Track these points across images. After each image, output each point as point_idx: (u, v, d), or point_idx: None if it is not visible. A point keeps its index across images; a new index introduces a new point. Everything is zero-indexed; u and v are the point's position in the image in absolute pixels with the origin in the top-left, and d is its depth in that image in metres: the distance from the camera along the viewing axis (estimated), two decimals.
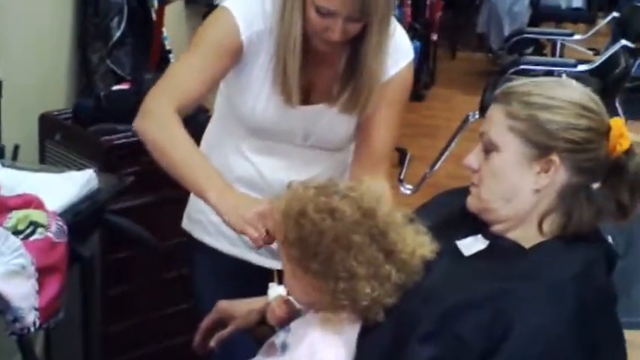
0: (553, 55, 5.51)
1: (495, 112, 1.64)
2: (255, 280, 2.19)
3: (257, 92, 2.04)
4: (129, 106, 2.66)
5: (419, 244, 1.60)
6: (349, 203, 1.55)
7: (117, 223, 2.17)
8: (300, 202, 1.56)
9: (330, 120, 2.07)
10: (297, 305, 1.83)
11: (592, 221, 1.62)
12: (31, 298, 1.74)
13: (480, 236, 1.66)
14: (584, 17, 6.12)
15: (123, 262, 2.57)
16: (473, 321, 1.48)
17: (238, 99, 2.07)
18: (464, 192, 1.73)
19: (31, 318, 1.74)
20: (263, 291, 2.06)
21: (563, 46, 5.48)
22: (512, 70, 4.24)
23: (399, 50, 2.06)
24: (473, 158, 1.67)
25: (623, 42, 3.88)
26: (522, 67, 4.29)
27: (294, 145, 2.12)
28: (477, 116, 4.10)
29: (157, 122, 1.95)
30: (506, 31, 6.05)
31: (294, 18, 1.91)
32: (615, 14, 4.65)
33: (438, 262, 1.62)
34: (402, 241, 1.57)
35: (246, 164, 2.15)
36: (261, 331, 1.88)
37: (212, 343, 1.95)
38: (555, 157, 1.59)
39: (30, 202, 1.85)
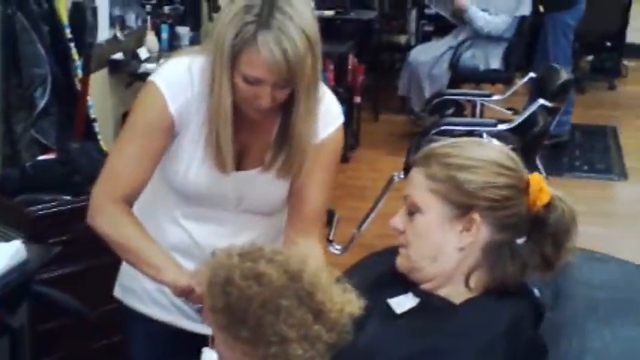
0: (473, 115, 5.64)
1: (416, 174, 1.68)
2: (188, 346, 2.19)
3: (189, 160, 2.05)
4: (55, 176, 2.70)
5: (347, 302, 1.60)
6: (275, 267, 1.56)
7: (45, 293, 2.15)
8: (226, 270, 1.56)
9: (263, 185, 2.08)
10: None
11: (518, 276, 1.66)
12: None
13: (410, 294, 1.68)
14: (502, 78, 6.27)
15: (52, 332, 2.54)
16: None
17: (170, 167, 2.08)
18: (393, 252, 1.76)
19: None
20: (197, 358, 2.07)
21: (482, 106, 5.62)
22: (434, 131, 4.32)
23: (329, 114, 2.08)
24: (398, 220, 1.71)
25: (541, 101, 3.99)
26: (444, 127, 4.38)
27: (227, 211, 2.12)
28: (402, 176, 4.16)
29: (106, 219, 2.03)
30: (427, 94, 6.15)
31: (223, 88, 1.92)
32: (532, 75, 4.79)
33: (371, 320, 1.64)
34: (329, 301, 1.57)
35: (179, 231, 2.15)
36: None
37: None
38: (476, 216, 1.63)
39: None
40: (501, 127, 4.23)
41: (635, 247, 4.65)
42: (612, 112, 7.69)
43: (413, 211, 1.67)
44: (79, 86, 3.34)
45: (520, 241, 1.66)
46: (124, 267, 2.26)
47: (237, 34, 1.84)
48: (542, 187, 1.67)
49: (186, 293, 1.93)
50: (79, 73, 3.36)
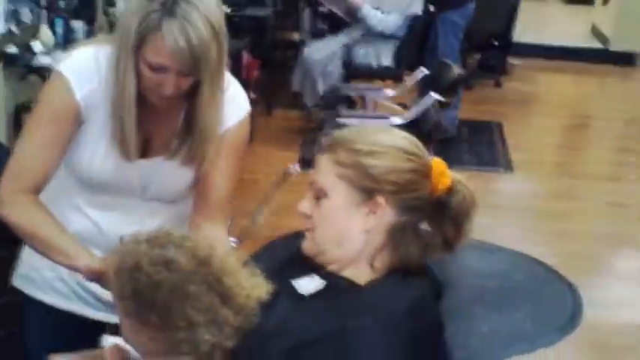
0: (364, 110, 5.74)
1: (323, 161, 1.73)
2: (88, 334, 2.19)
3: (94, 148, 2.05)
4: None
5: (254, 286, 1.64)
6: (184, 253, 1.58)
7: None
8: (134, 257, 1.57)
9: (169, 173, 2.10)
10: (132, 354, 1.85)
11: (420, 256, 1.73)
12: None
13: (315, 276, 1.73)
14: (392, 75, 6.39)
15: None
16: (316, 358, 1.55)
17: (75, 155, 2.07)
18: (298, 236, 1.81)
19: None
20: (95, 345, 2.07)
21: (375, 102, 5.73)
22: (329, 124, 4.39)
23: (235, 103, 2.12)
24: (305, 204, 1.76)
25: (434, 95, 4.10)
26: (339, 121, 4.44)
27: (132, 199, 2.14)
28: (297, 168, 4.22)
29: (15, 210, 2.02)
30: (321, 89, 6.24)
31: (127, 76, 1.93)
32: (424, 71, 4.90)
33: (278, 302, 1.68)
34: (237, 285, 1.61)
35: (83, 220, 2.15)
36: None
37: None
38: (381, 199, 1.69)
39: None
40: (395, 120, 4.33)
41: (518, 236, 4.84)
42: (498, 108, 7.91)
43: (320, 196, 1.72)
44: None
45: (423, 223, 1.73)
46: (24, 257, 2.25)
47: (142, 22, 1.85)
48: (444, 171, 1.74)
49: (98, 277, 1.93)
50: None
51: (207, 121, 2.03)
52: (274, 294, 1.67)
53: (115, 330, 2.19)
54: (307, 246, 1.76)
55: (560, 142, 7.45)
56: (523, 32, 9.49)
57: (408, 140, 1.75)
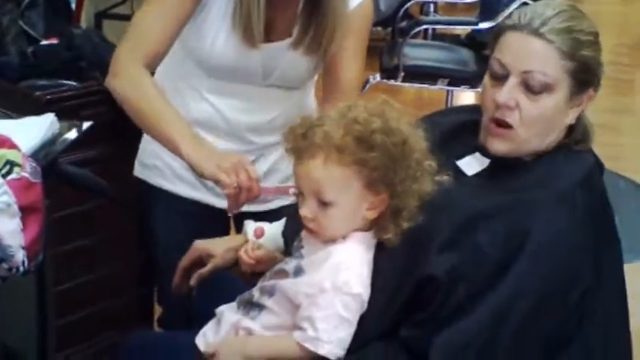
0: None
1: (544, 49, 1.59)
2: (214, 222, 2.19)
3: (216, 32, 2.01)
4: (61, 61, 2.61)
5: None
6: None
7: (73, 172, 2.10)
8: (367, 125, 1.56)
9: (292, 58, 2.05)
10: (272, 247, 1.85)
11: (586, 132, 1.70)
12: (18, 236, 1.67)
13: (478, 154, 1.69)
14: None
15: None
16: (490, 230, 1.53)
17: (196, 40, 2.04)
18: (452, 112, 1.77)
19: (19, 257, 1.66)
20: (221, 234, 2.07)
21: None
22: (414, 31, 4.33)
23: None
24: (508, 96, 1.61)
25: None
26: (424, 27, 4.37)
27: (253, 85, 2.10)
28: (377, 78, 4.19)
29: (128, 81, 1.95)
30: (383, 3, 6.13)
31: None
32: None
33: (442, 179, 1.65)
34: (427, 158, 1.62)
35: (205, 106, 2.12)
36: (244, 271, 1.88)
37: (192, 281, 1.94)
38: (592, 92, 1.64)
39: (3, 142, 1.77)
40: (484, 24, 4.24)
41: None
42: None
43: (539, 90, 1.59)
44: None
45: None
46: (145, 144, 2.24)
47: None
48: None
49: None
50: None
51: (336, 5, 1.98)
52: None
53: (237, 224, 2.20)
54: (504, 146, 1.64)
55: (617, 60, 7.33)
56: None
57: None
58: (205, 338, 1.72)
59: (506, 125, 1.62)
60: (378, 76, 4.20)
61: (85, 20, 3.98)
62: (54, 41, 2.65)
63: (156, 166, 2.21)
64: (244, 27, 1.97)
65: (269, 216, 2.03)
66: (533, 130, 1.62)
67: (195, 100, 2.13)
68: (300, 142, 1.60)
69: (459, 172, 1.68)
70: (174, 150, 1.89)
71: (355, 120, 1.56)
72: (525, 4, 4.00)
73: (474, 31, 5.21)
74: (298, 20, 2.02)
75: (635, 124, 5.57)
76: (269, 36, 2.03)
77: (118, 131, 2.36)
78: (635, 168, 4.67)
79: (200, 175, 1.87)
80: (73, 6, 3.36)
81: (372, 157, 1.54)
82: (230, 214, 2.02)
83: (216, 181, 1.82)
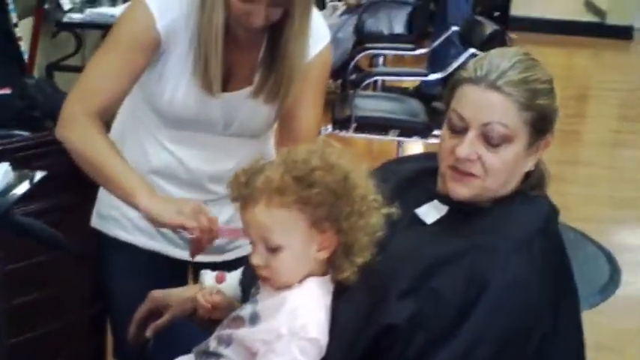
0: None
1: (502, 101, 1.59)
2: (171, 273, 2.18)
3: (175, 82, 2.00)
4: (14, 111, 2.60)
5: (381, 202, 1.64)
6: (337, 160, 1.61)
7: (28, 224, 2.06)
8: (306, 164, 1.57)
9: (252, 107, 2.06)
10: (230, 296, 1.84)
11: (541, 178, 1.72)
12: None
13: (436, 202, 1.70)
14: (404, 41, 6.34)
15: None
16: (449, 277, 1.54)
17: (156, 90, 2.03)
18: (408, 160, 1.79)
19: None
20: (179, 285, 2.05)
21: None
22: (365, 82, 4.38)
23: (318, 32, 2.06)
24: (468, 150, 1.61)
25: (472, 50, 4.07)
26: (375, 78, 4.42)
27: (213, 134, 2.09)
28: (329, 129, 4.22)
29: (77, 132, 1.95)
30: (333, 57, 6.20)
31: (216, 5, 1.88)
32: (455, 28, 4.86)
33: (399, 228, 1.66)
34: (373, 200, 1.62)
35: (165, 155, 2.11)
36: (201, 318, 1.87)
37: (148, 333, 1.92)
38: (550, 137, 1.66)
39: None
40: (433, 76, 4.31)
41: None
42: None
43: (497, 143, 1.60)
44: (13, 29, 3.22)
45: None
46: (102, 195, 2.21)
47: None
48: None
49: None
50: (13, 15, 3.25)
51: (296, 52, 1.98)
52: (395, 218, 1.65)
53: (195, 272, 2.19)
54: (467, 192, 1.64)
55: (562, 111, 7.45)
56: (516, 6, 9.49)
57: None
58: None
59: (469, 174, 1.63)
60: (330, 127, 4.23)
61: (36, 72, 3.98)
62: (7, 91, 2.64)
63: (113, 216, 2.19)
64: (203, 75, 1.96)
65: (226, 267, 2.02)
66: (499, 179, 1.63)
67: (155, 149, 2.12)
68: (243, 190, 1.61)
69: (417, 221, 1.69)
70: (131, 202, 1.89)
71: (294, 160, 1.58)
72: (474, 55, 4.09)
73: (422, 83, 5.32)
74: (259, 68, 2.03)
75: (581, 174, 5.67)
76: (230, 84, 2.03)
77: (73, 182, 2.33)
78: (582, 217, 4.74)
79: (161, 225, 1.86)
80: (25, 57, 3.36)
81: (313, 195, 1.55)
82: (192, 259, 2.01)
83: (179, 228, 1.82)
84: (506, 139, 1.60)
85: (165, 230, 2.14)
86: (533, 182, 1.70)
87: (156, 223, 1.87)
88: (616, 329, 3.63)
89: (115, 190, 1.93)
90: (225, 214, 2.07)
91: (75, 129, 1.95)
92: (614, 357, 3.33)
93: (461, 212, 1.66)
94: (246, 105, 2.06)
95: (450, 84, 1.70)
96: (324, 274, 1.63)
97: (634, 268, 4.26)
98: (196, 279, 2.05)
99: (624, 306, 3.87)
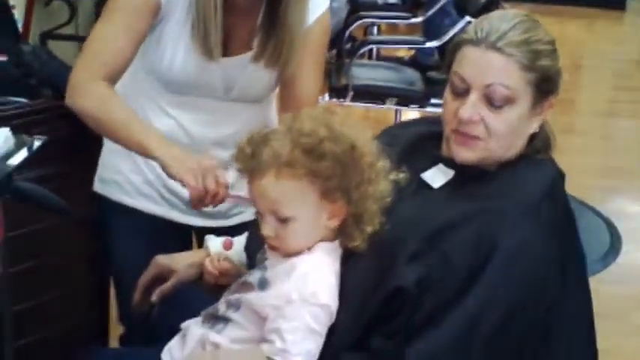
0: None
1: (503, 62, 1.58)
2: (175, 238, 2.17)
3: (174, 48, 1.99)
4: (10, 79, 2.56)
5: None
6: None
7: (26, 189, 2.04)
8: (313, 135, 1.56)
9: (252, 72, 2.05)
10: (236, 261, 1.83)
11: (547, 139, 1.71)
12: None
13: (442, 166, 1.69)
14: (398, 10, 6.30)
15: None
16: (458, 240, 1.53)
17: (155, 55, 2.02)
18: (412, 124, 1.77)
19: None
20: (183, 250, 2.04)
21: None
22: (362, 50, 4.34)
23: None
24: (471, 111, 1.60)
25: (468, 18, 4.04)
26: (370, 47, 4.39)
27: (214, 99, 2.08)
28: (326, 98, 4.20)
29: (93, 98, 1.93)
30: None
31: None
32: None
33: (408, 192, 1.65)
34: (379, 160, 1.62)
35: (166, 119, 2.09)
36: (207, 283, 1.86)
37: (154, 298, 1.90)
38: (553, 99, 1.66)
39: None
40: (430, 43, 4.29)
41: None
42: None
43: (500, 104, 1.59)
44: None
45: None
46: (104, 159, 2.21)
47: None
48: None
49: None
50: None
51: (295, 18, 1.98)
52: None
53: (199, 238, 2.18)
54: (472, 155, 1.63)
55: None
56: None
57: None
58: (171, 354, 1.69)
59: (473, 137, 1.62)
60: (327, 96, 4.21)
61: (30, 41, 3.94)
62: (2, 58, 2.60)
63: (116, 181, 2.18)
64: (202, 38, 1.95)
65: (230, 232, 2.01)
66: (502, 142, 1.62)
67: (157, 114, 2.10)
68: (250, 162, 1.60)
69: (424, 186, 1.68)
70: (144, 151, 1.87)
71: (301, 132, 1.56)
72: (470, 23, 4.06)
73: (418, 52, 5.28)
74: (258, 33, 2.02)
75: (577, 143, 5.67)
76: (229, 49, 2.02)
77: (72, 148, 2.33)
78: (579, 187, 4.74)
79: (169, 175, 1.85)
80: (20, 25, 3.33)
81: (323, 167, 1.54)
82: (192, 209, 1.99)
83: (182, 182, 1.81)
84: (509, 101, 1.59)
85: (167, 194, 2.13)
86: (538, 145, 1.70)
87: (166, 172, 1.85)
88: (618, 297, 3.63)
89: (129, 143, 1.91)
90: (229, 179, 2.06)
91: (86, 95, 1.94)
92: (617, 325, 3.33)
93: (467, 176, 1.65)
94: (246, 70, 2.05)
95: (451, 47, 1.69)
96: (333, 239, 1.62)
97: (631, 235, 4.27)
98: (201, 244, 2.04)
99: (625, 273, 3.87)
